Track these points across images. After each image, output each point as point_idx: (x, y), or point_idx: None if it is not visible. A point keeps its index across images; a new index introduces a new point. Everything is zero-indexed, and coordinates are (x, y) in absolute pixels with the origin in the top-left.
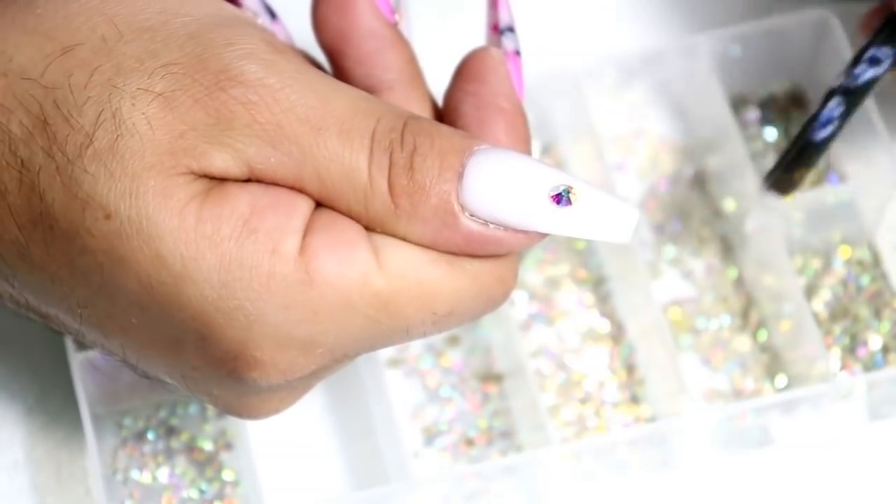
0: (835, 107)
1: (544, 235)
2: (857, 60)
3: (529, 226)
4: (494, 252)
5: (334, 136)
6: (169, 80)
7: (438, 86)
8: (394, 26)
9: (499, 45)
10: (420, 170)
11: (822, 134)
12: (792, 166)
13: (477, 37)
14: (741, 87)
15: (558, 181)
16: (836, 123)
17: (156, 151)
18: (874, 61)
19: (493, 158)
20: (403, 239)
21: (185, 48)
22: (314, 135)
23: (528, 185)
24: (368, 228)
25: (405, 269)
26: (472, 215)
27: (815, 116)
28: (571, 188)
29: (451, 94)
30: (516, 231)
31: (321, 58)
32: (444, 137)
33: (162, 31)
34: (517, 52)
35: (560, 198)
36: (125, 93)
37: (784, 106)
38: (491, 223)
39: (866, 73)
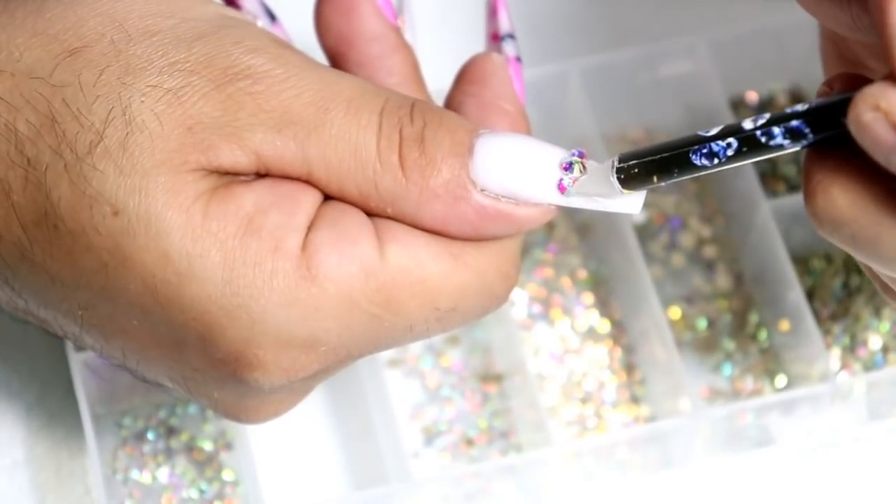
0: (727, 146)
1: (554, 210)
2: (779, 120)
3: (541, 198)
4: (505, 229)
5: (341, 113)
6: (178, 78)
7: (439, 90)
8: (397, 30)
9: (500, 52)
10: (431, 143)
11: (702, 161)
12: (651, 167)
13: (478, 41)
14: (741, 87)
15: (568, 156)
16: (720, 161)
17: (165, 148)
18: (795, 134)
19: (501, 135)
20: (414, 218)
21: (194, 48)
22: (320, 115)
23: (539, 158)
24: (378, 209)
25: (408, 263)
26: (482, 190)
27: (706, 138)
28: (581, 160)
29: (452, 96)
30: (528, 204)
31: (322, 60)
32: (452, 117)
33: (170, 34)
34: (518, 59)
35: (570, 166)
36: (135, 90)
37: (784, 106)
38: (502, 197)
39: (779, 139)
